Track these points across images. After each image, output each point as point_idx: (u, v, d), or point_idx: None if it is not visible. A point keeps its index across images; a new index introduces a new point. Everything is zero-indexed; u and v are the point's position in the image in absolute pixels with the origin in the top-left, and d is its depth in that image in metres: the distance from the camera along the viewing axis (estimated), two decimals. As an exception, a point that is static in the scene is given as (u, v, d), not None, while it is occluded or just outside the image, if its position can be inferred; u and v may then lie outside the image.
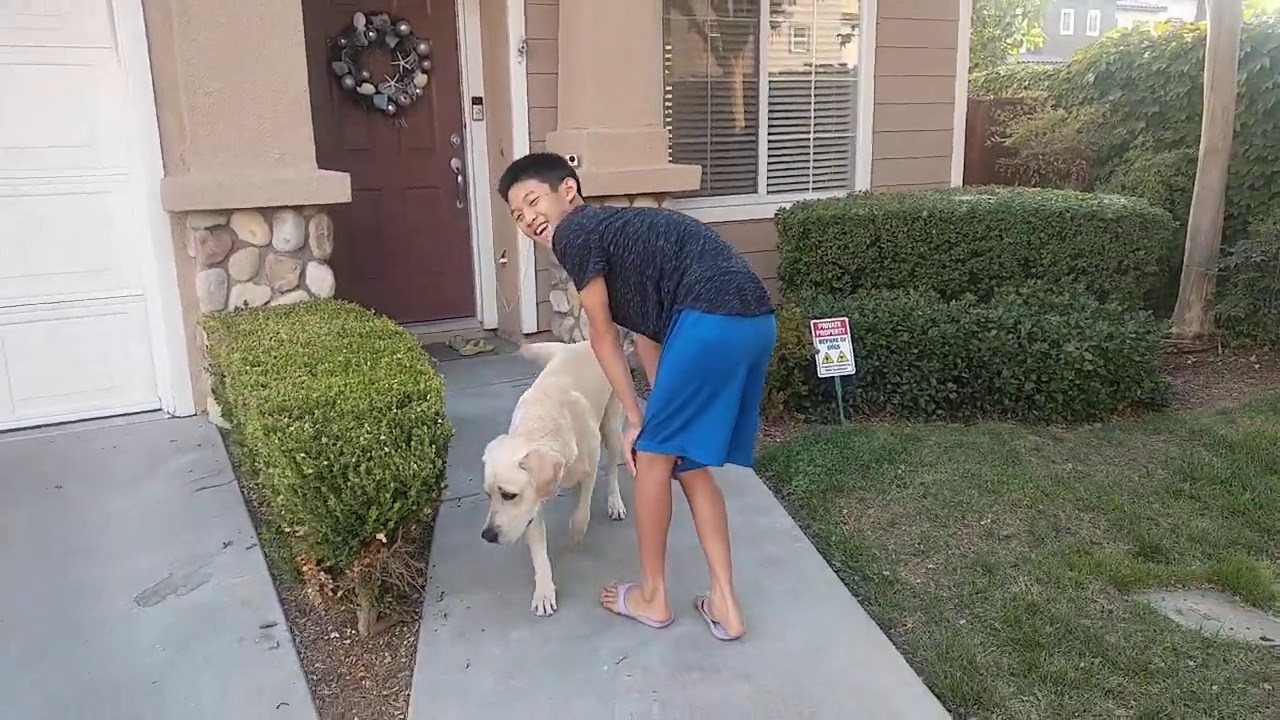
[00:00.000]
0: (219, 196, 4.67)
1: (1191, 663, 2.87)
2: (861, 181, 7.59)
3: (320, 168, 4.94)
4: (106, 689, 2.78)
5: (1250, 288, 6.59)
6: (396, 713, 2.70)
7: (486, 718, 2.66)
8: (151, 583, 3.36)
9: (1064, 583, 3.34)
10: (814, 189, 7.45)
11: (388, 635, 3.05)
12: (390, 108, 6.08)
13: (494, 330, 6.68)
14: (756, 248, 6.38)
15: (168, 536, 3.72)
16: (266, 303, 4.89)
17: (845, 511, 3.95)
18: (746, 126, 7.20)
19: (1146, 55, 8.12)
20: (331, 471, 2.60)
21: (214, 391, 4.80)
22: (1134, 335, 5.23)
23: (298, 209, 4.88)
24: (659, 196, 6.02)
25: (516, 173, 3.11)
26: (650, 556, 3.03)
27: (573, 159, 5.62)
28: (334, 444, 2.68)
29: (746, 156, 7.24)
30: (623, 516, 3.78)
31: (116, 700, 2.73)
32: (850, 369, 5.05)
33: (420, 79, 6.14)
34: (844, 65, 7.49)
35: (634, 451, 2.98)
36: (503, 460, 2.91)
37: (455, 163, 6.43)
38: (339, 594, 2.94)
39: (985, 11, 13.64)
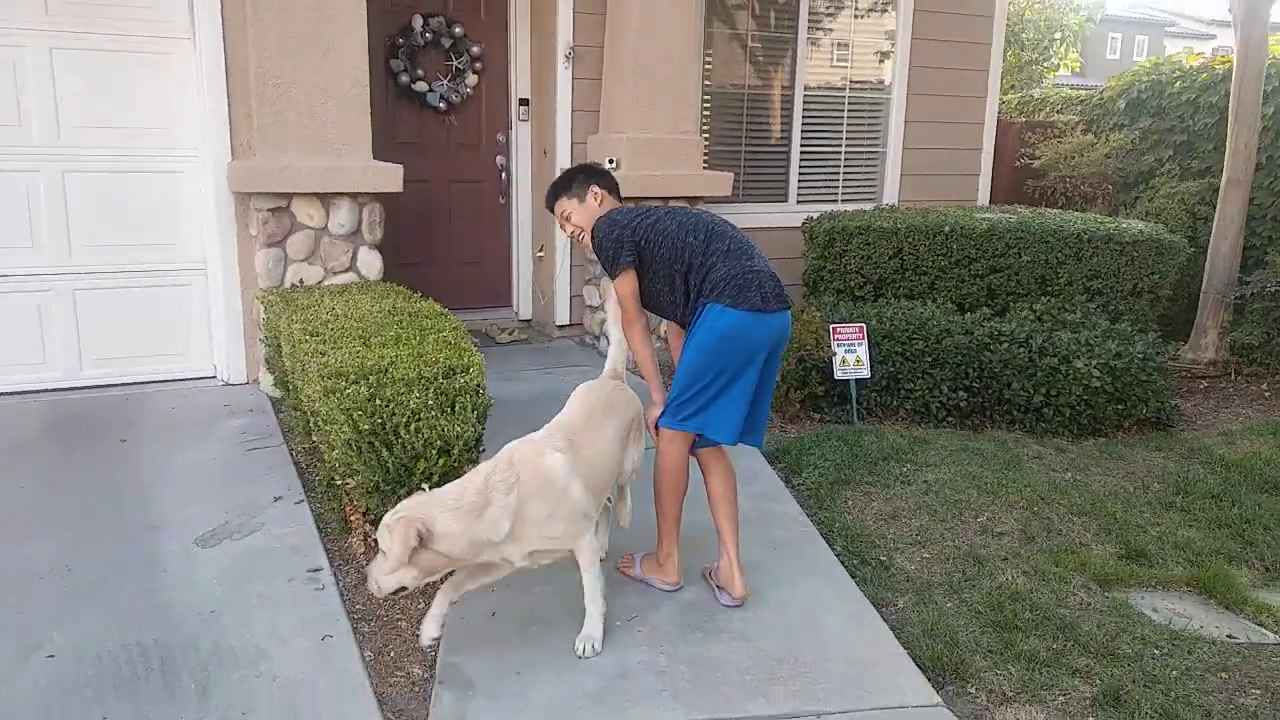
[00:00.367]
0: (281, 180, 5.02)
1: (1157, 651, 3.10)
2: (890, 195, 7.82)
3: (374, 159, 5.28)
4: (174, 611, 3.12)
5: (1265, 317, 6.76)
6: (429, 650, 2.99)
7: (508, 654, 2.95)
8: (208, 528, 3.69)
9: (1048, 576, 3.58)
10: (843, 200, 7.69)
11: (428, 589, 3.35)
12: (442, 105, 6.42)
13: (528, 321, 6.99)
14: (783, 254, 6.64)
15: (222, 489, 4.05)
16: (319, 282, 5.23)
17: (850, 503, 4.21)
18: (780, 137, 7.47)
19: (1177, 85, 8.29)
20: (384, 429, 2.93)
21: (267, 361, 5.14)
22: (1142, 356, 5.43)
23: (353, 196, 5.21)
24: (692, 201, 6.30)
25: (553, 195, 3.46)
26: (667, 524, 3.32)
27: (611, 161, 5.91)
28: (386, 406, 3.00)
29: (779, 166, 7.51)
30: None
31: (180, 623, 3.06)
32: (866, 373, 5.30)
33: (471, 79, 6.47)
34: (879, 82, 7.74)
35: (657, 428, 3.28)
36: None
37: (500, 160, 6.75)
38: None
39: (1024, 35, 13.80)
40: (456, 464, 3.02)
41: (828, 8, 7.41)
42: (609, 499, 3.27)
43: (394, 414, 2.99)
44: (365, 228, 5.30)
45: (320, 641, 3.00)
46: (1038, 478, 4.55)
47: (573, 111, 6.38)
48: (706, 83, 7.03)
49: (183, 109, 5.14)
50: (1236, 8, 6.76)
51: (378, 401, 3.03)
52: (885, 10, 7.59)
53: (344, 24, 5.08)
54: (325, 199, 5.17)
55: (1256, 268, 7.03)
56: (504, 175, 6.79)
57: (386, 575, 2.64)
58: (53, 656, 2.87)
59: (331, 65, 5.09)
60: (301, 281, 5.18)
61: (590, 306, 6.48)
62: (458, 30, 6.36)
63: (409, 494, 2.79)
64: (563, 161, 6.34)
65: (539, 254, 6.78)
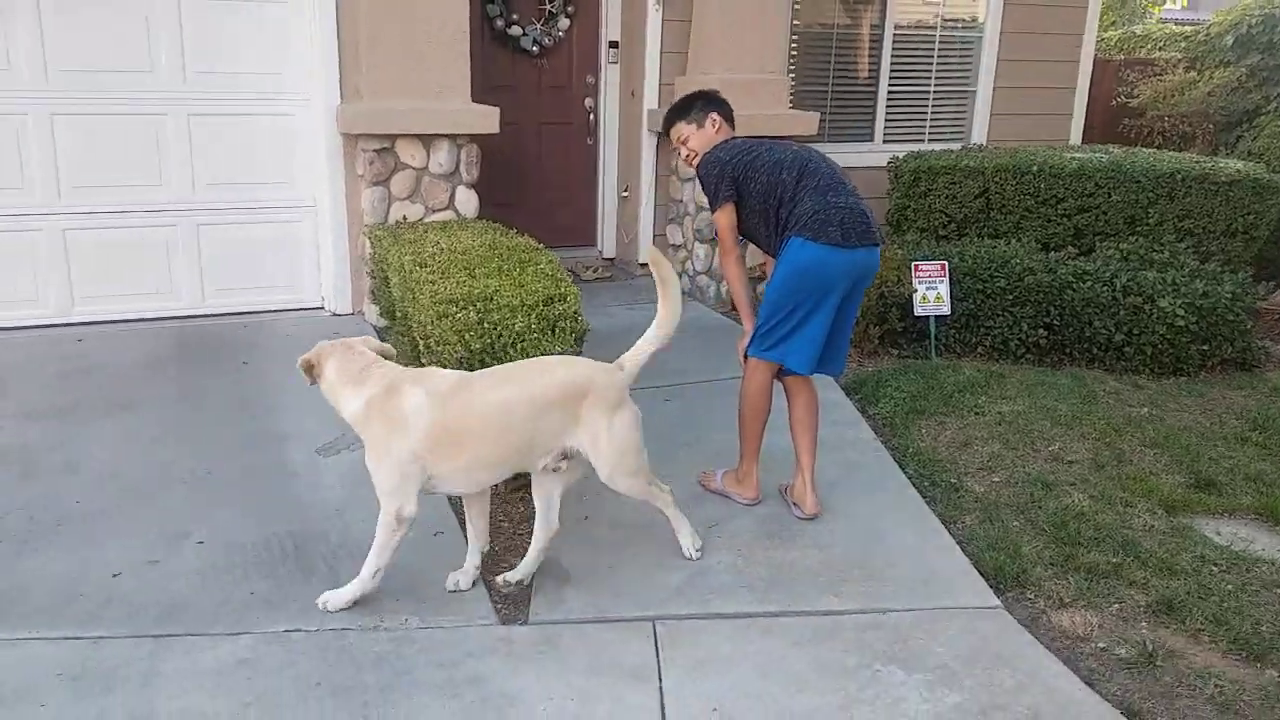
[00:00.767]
0: (387, 122, 5.34)
1: (1215, 569, 3.23)
2: (979, 135, 7.78)
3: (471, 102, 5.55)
4: (304, 509, 3.51)
5: (1367, 259, 6.58)
6: (525, 547, 3.31)
7: (599, 552, 3.25)
8: (326, 439, 4.07)
9: (1115, 501, 3.71)
10: (930, 140, 7.69)
11: (521, 492, 3.67)
12: (534, 48, 6.64)
13: (611, 259, 7.24)
14: (867, 194, 6.63)
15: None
16: (420, 219, 5.56)
17: (924, 431, 4.38)
18: (868, 76, 7.48)
19: (1290, 18, 7.99)
20: (493, 349, 3.24)
21: (373, 293, 5.52)
22: (1230, 295, 5.39)
23: (452, 137, 5.50)
24: (778, 140, 6.40)
25: (671, 119, 3.69)
26: (748, 445, 3.57)
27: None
28: (494, 329, 3.32)
29: (865, 105, 7.54)
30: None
31: (310, 519, 3.45)
32: (946, 310, 5.40)
33: (563, 23, 6.66)
34: (971, 19, 7.66)
35: (746, 356, 3.52)
36: None
37: (589, 102, 6.95)
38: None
39: (1129, -32, 13.28)
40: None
41: (918, -56, 7.35)
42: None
43: (500, 335, 3.30)
44: (463, 167, 5.59)
45: (433, 538, 3.34)
46: (1113, 411, 4.63)
47: (661, 53, 6.53)
48: (795, 22, 7.07)
49: (297, 55, 5.48)
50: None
51: (485, 325, 3.34)
52: (978, -55, 7.49)
53: (445, -30, 5.32)
54: (426, 140, 5.47)
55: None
56: (591, 117, 6.99)
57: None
58: (202, 543, 3.28)
59: (434, 12, 5.34)
60: (405, 218, 5.51)
61: (674, 245, 6.69)
62: (551, -26, 6.54)
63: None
64: (650, 104, 6.51)
65: (624, 193, 6.99)
